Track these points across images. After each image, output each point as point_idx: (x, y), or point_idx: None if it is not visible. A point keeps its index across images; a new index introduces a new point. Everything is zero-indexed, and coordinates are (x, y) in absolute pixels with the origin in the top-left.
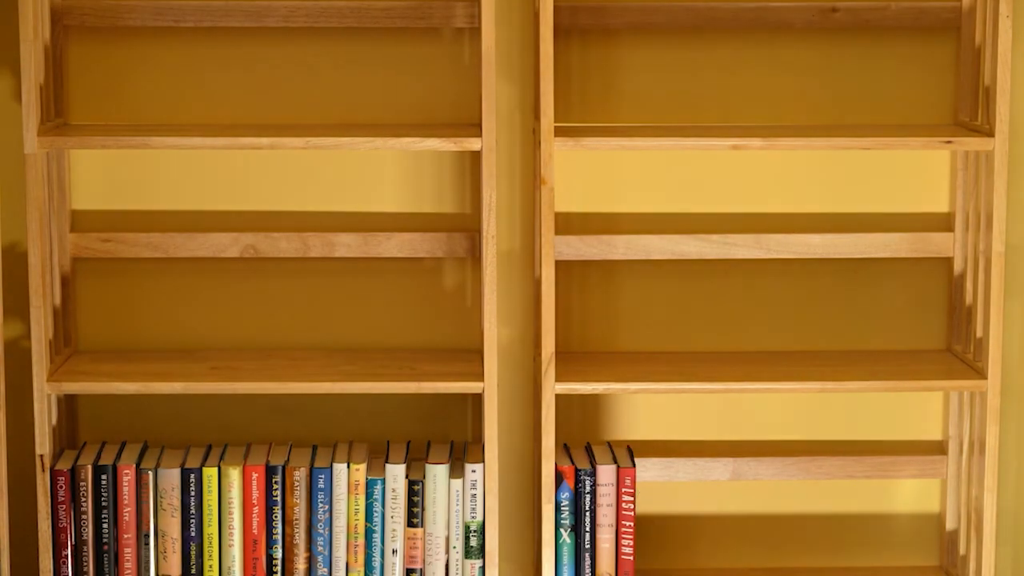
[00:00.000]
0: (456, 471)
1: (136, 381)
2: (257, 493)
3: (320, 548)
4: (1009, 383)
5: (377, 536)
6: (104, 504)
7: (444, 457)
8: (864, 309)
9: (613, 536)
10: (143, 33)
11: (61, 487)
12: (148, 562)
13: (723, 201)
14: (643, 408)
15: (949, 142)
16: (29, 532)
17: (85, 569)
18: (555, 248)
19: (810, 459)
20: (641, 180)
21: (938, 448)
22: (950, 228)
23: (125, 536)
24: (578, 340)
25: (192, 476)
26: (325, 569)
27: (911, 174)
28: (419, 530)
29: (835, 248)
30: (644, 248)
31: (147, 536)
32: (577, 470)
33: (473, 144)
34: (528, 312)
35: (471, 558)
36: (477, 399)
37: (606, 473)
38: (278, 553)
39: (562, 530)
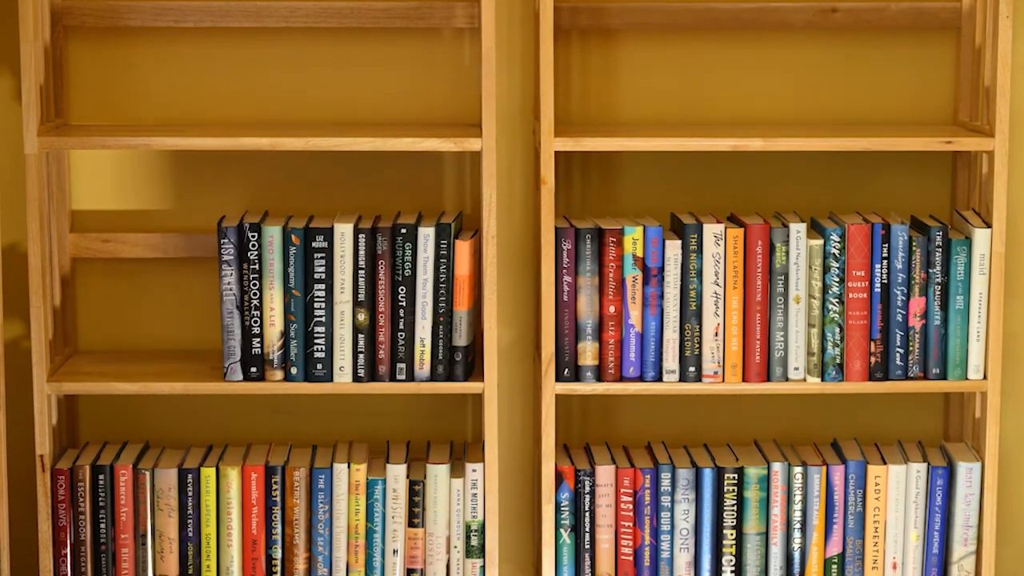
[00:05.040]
0: (456, 471)
1: (136, 381)
2: (256, 493)
3: (320, 548)
4: (1009, 383)
5: (378, 536)
6: (102, 504)
7: (444, 457)
8: None
9: (613, 536)
10: (143, 33)
11: (61, 487)
12: (145, 562)
13: (722, 202)
14: (642, 409)
15: (949, 142)
16: (29, 531)
17: (83, 569)
18: None
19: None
20: (641, 180)
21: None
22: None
23: (122, 536)
24: None
25: (189, 476)
26: (325, 569)
27: (911, 174)
28: (420, 530)
29: None
30: None
31: (144, 536)
32: (577, 470)
33: (473, 144)
34: (528, 312)
35: (472, 558)
36: (477, 399)
37: (605, 474)
38: (277, 553)
39: (562, 530)
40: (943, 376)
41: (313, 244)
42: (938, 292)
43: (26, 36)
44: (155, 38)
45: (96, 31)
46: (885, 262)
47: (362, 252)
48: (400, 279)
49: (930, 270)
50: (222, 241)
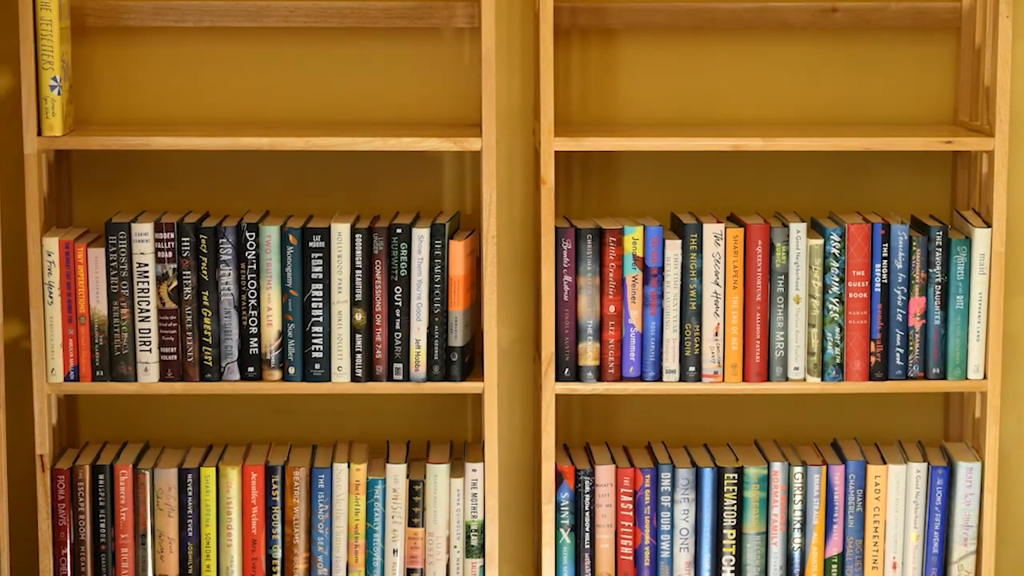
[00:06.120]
0: (456, 471)
1: (136, 382)
2: (256, 493)
3: (320, 548)
4: (1009, 383)
5: (378, 536)
6: (101, 504)
7: (444, 457)
8: None
9: (612, 536)
10: (143, 33)
11: (61, 487)
12: (145, 562)
13: (722, 202)
14: (642, 409)
15: (949, 142)
16: (29, 531)
17: (83, 569)
18: None
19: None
20: (641, 180)
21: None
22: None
23: (122, 536)
24: None
25: (189, 476)
26: (325, 569)
27: (911, 174)
28: (420, 530)
29: None
30: None
31: (144, 536)
32: (577, 470)
33: (473, 144)
34: (528, 312)
35: (472, 558)
36: (477, 399)
37: (605, 473)
38: (277, 553)
39: (562, 530)
40: (943, 376)
41: (310, 244)
42: (938, 292)
43: (26, 36)
44: (155, 38)
45: (96, 31)
46: (885, 262)
47: (359, 252)
48: (396, 279)
49: (930, 270)
50: (220, 241)
